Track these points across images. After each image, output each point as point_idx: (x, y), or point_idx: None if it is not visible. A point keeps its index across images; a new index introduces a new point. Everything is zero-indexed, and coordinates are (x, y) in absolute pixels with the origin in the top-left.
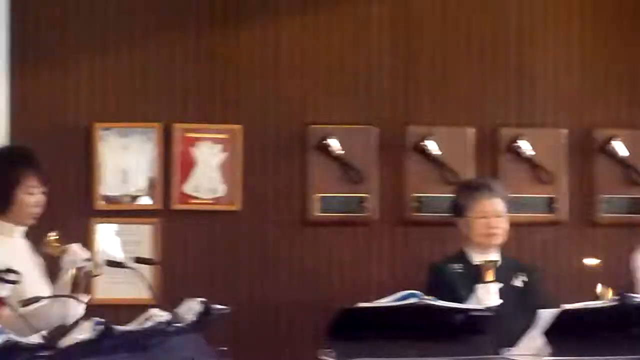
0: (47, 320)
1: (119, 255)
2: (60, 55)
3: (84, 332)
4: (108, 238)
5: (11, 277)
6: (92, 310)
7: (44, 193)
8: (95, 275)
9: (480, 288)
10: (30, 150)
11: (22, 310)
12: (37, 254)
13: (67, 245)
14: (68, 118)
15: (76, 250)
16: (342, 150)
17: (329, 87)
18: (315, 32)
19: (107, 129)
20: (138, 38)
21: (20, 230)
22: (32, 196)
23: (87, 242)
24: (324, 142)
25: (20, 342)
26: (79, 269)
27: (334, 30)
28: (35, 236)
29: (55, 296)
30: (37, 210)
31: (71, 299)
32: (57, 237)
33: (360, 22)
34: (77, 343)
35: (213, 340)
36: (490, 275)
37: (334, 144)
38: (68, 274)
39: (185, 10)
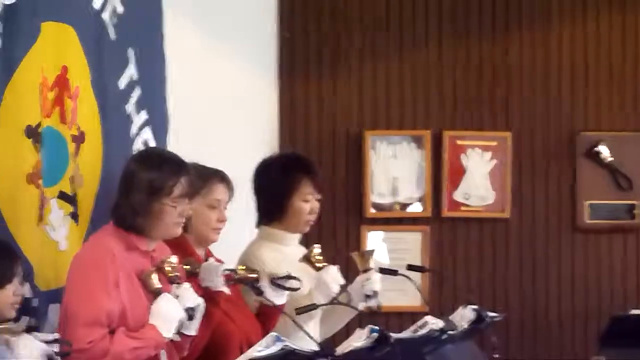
0: (323, 327)
1: (387, 262)
2: (330, 64)
3: (360, 340)
4: (378, 245)
5: (292, 284)
6: (363, 318)
7: (318, 200)
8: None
9: None
10: (307, 158)
11: (298, 317)
12: None
13: (326, 265)
14: (338, 126)
15: (332, 275)
16: (612, 157)
17: (599, 94)
18: (585, 38)
19: (377, 136)
20: (407, 46)
21: (295, 237)
22: (307, 203)
23: (356, 249)
24: (594, 149)
25: (297, 349)
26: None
27: (604, 36)
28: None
29: (330, 303)
30: (312, 218)
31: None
32: (320, 252)
33: (630, 28)
34: (352, 350)
35: (485, 348)
36: None
37: (604, 151)
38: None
39: (454, 18)
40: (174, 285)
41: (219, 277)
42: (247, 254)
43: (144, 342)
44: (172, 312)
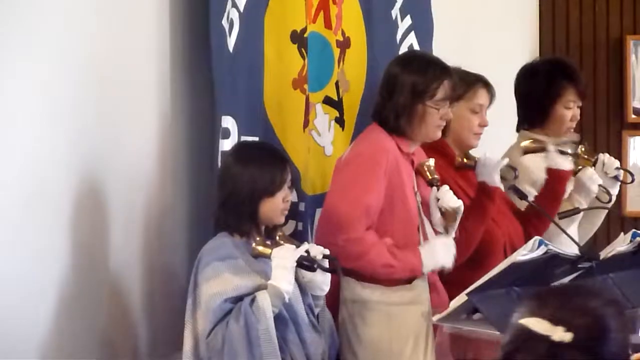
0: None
1: None
2: None
3: (623, 244)
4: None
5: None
6: (626, 222)
7: (579, 107)
8: (625, 182)
9: None
10: (571, 64)
11: (561, 221)
12: None
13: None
14: (599, 31)
15: (589, 176)
16: None
17: None
18: None
19: (639, 41)
20: None
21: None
22: (569, 110)
23: (618, 154)
24: None
25: (561, 253)
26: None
27: None
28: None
29: (589, 208)
30: (573, 125)
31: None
32: (585, 149)
33: None
34: (616, 254)
35: None
36: None
37: None
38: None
39: None
40: (434, 187)
41: (497, 174)
42: (508, 158)
43: (400, 264)
44: (441, 256)
